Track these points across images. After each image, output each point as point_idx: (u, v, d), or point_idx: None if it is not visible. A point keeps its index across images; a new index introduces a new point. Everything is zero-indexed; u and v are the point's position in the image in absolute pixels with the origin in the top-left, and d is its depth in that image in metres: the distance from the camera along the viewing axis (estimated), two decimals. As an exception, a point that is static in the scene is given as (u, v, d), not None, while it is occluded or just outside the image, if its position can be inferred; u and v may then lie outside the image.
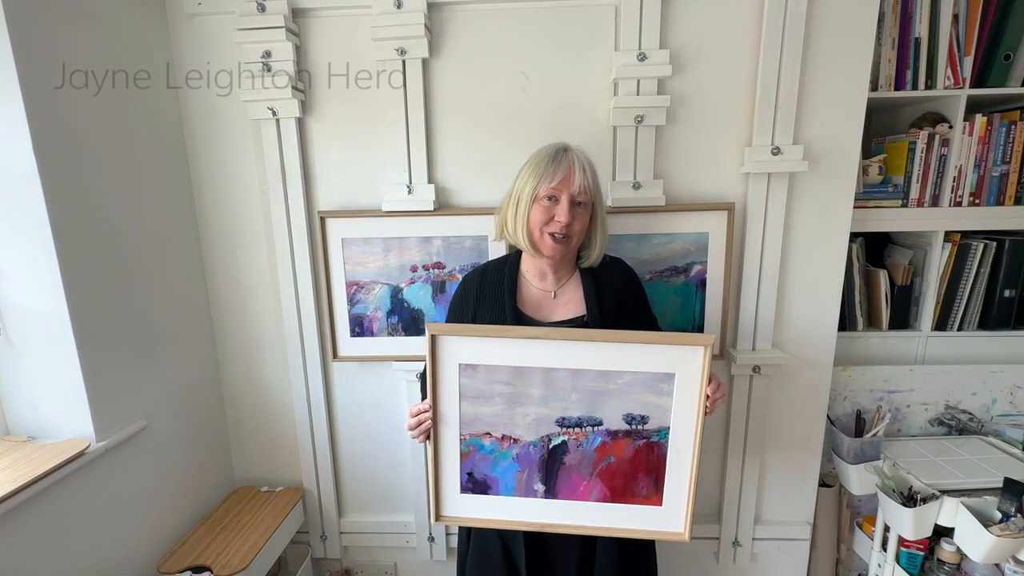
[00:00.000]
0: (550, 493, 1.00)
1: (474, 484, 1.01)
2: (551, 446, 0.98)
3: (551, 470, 0.99)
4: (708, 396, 0.92)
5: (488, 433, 0.98)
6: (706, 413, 0.93)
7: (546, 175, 0.99)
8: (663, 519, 0.99)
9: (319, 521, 1.63)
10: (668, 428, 0.95)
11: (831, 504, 1.61)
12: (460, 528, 1.21)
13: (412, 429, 1.00)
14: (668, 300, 1.40)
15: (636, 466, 0.97)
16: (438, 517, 1.03)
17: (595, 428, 0.96)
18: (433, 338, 0.94)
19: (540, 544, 1.09)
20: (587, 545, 1.08)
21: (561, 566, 1.09)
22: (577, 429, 0.97)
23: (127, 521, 1.25)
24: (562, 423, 0.96)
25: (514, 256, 1.12)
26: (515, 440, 0.98)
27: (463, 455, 1.00)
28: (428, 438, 1.00)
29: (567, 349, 0.93)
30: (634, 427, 0.95)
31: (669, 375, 0.92)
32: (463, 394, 0.96)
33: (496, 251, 1.38)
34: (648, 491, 0.98)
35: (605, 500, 0.99)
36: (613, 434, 0.96)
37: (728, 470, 1.52)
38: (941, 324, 1.56)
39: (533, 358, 0.94)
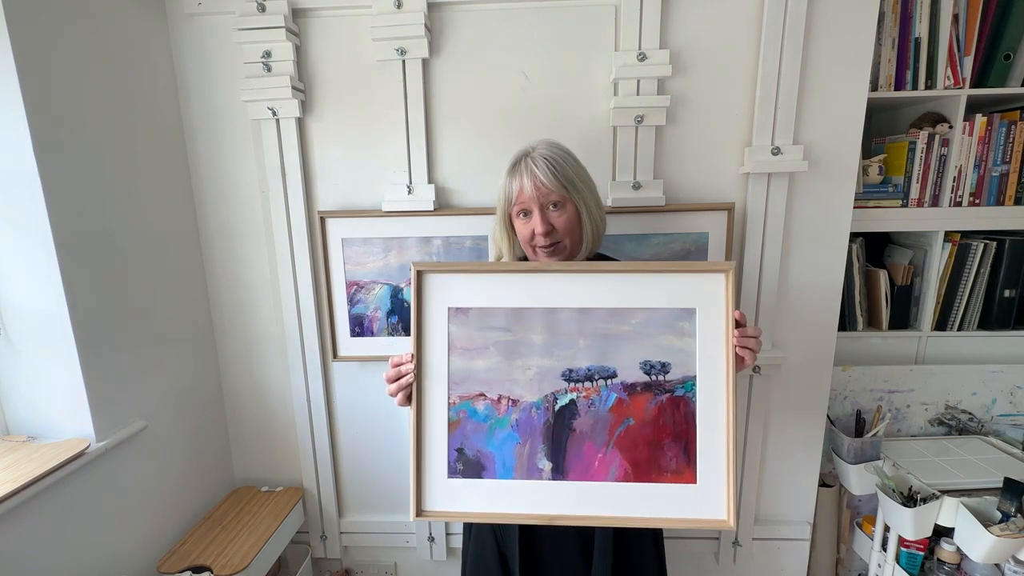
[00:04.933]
0: (558, 472, 0.83)
1: (464, 464, 0.84)
2: (557, 408, 0.83)
3: (558, 440, 0.83)
4: (737, 335, 0.79)
5: (482, 394, 0.83)
6: (740, 362, 0.80)
7: (511, 193, 0.97)
8: (699, 501, 0.80)
9: (319, 521, 1.63)
10: (694, 378, 0.81)
11: (831, 504, 1.61)
12: (464, 529, 1.18)
13: (390, 383, 0.87)
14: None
15: (661, 430, 0.81)
16: (419, 512, 0.84)
17: (608, 381, 0.82)
18: (419, 275, 0.82)
19: (535, 552, 1.04)
20: (585, 552, 1.03)
21: (558, 573, 1.04)
22: (588, 384, 0.82)
23: (127, 521, 1.25)
24: (569, 377, 0.83)
25: (520, 257, 1.11)
26: (514, 402, 0.83)
27: (452, 424, 0.84)
28: (409, 400, 0.86)
29: (571, 285, 0.81)
30: (654, 377, 0.82)
31: (689, 311, 0.81)
32: (453, 344, 0.83)
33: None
34: (679, 463, 0.81)
35: (626, 479, 0.82)
36: (630, 388, 0.82)
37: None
38: (941, 324, 1.56)
39: (533, 298, 0.82)
